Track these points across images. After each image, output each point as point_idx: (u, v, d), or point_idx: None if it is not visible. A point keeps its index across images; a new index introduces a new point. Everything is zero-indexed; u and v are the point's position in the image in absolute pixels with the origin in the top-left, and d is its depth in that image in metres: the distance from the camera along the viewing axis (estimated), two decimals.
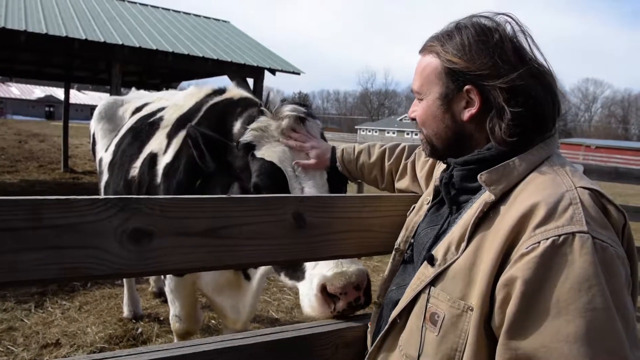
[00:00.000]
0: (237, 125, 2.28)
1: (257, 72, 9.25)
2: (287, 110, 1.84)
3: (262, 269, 2.32)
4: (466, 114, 1.10)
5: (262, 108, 1.88)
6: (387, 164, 1.71)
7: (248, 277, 2.44)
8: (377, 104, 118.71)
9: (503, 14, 1.11)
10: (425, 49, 1.17)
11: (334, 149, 1.80)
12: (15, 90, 62.75)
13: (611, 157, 32.42)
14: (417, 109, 1.21)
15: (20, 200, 0.95)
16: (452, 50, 1.09)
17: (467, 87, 1.07)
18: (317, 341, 1.43)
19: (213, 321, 4.06)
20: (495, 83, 1.03)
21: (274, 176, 1.76)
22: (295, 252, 1.33)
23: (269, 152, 1.80)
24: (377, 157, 1.72)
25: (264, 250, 1.26)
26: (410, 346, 1.09)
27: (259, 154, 1.82)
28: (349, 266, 1.56)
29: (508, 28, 1.09)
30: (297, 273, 1.69)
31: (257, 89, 9.29)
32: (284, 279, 1.79)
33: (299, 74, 9.78)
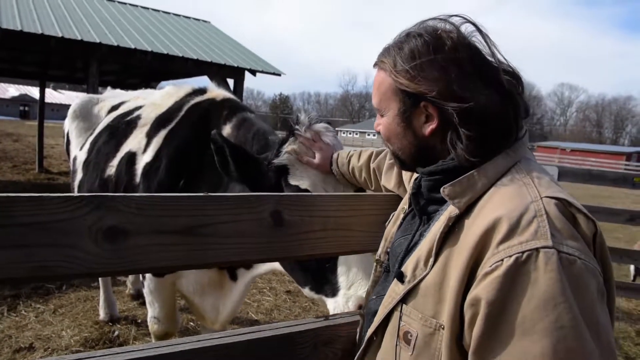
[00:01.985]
0: (226, 129, 2.26)
1: (238, 73, 9.21)
2: (319, 128, 1.86)
3: (254, 271, 2.29)
4: (427, 129, 1.06)
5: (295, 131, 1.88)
6: (372, 164, 1.70)
7: (234, 278, 2.40)
8: (357, 106, 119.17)
9: (457, 15, 1.05)
10: (378, 64, 1.13)
11: (334, 154, 1.80)
12: None
13: (586, 160, 33.17)
14: (380, 123, 1.18)
15: None
16: (402, 66, 1.04)
17: (422, 103, 1.04)
18: (295, 340, 1.43)
19: (192, 323, 4.02)
20: (446, 104, 0.99)
21: None
22: (273, 251, 1.32)
23: (302, 179, 1.80)
24: (365, 159, 1.72)
25: (242, 249, 1.25)
26: None
27: (293, 181, 1.81)
28: None
29: (463, 30, 1.03)
30: (325, 288, 1.70)
31: (238, 90, 9.25)
32: (308, 292, 1.80)
33: (279, 75, 9.76)
